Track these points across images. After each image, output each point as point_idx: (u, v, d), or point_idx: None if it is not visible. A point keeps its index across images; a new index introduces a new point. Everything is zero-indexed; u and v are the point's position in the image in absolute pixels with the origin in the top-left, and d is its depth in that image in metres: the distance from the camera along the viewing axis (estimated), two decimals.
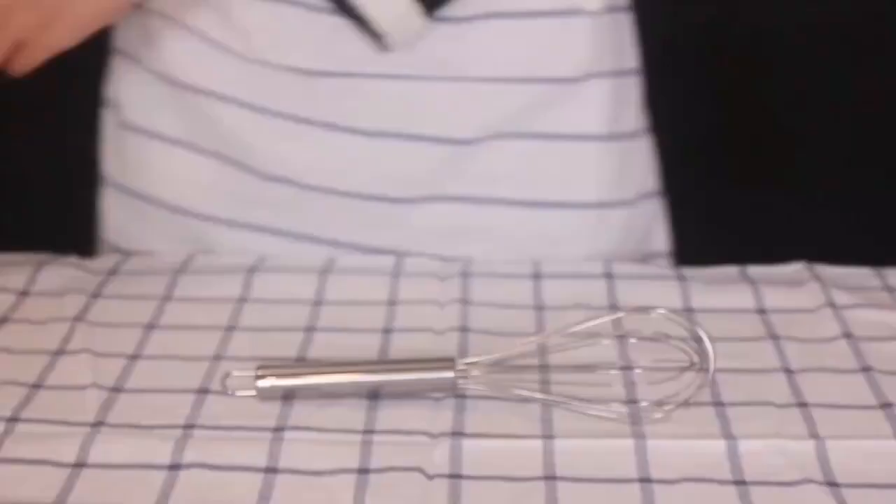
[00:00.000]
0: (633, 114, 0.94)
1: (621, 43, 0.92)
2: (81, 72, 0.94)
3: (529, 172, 0.93)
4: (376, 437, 0.72)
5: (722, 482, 0.69)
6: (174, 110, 0.95)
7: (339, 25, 0.87)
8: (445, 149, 0.92)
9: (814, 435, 0.72)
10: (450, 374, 0.75)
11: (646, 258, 0.98)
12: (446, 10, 0.87)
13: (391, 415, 0.74)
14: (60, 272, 0.90)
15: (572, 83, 0.91)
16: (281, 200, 0.94)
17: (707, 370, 0.75)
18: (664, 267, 0.92)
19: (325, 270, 0.91)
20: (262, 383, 0.75)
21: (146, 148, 0.97)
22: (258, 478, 0.69)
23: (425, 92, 0.90)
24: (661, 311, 0.77)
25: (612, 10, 0.91)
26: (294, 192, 0.93)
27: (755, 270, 0.91)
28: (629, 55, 0.93)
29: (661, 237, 0.98)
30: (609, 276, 0.90)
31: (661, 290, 0.88)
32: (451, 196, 0.93)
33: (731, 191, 0.98)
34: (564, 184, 0.94)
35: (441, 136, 0.91)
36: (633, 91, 0.94)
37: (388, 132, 0.91)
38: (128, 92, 0.98)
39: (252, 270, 0.90)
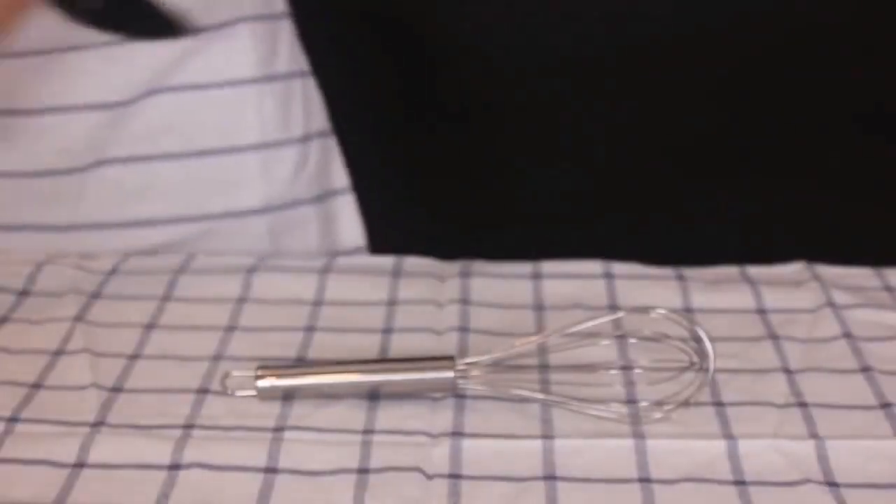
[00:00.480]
0: (288, 55, 0.96)
1: None
2: None
3: (189, 124, 0.94)
4: (376, 437, 0.72)
5: (722, 482, 0.69)
6: None
7: None
8: (101, 115, 0.93)
9: (814, 435, 0.72)
10: (450, 374, 0.75)
11: (326, 196, 0.99)
12: None
13: (391, 415, 0.74)
14: (60, 272, 0.90)
15: (215, 31, 0.93)
16: None
17: (707, 370, 0.75)
18: (662, 267, 0.92)
19: (326, 270, 0.91)
20: (261, 383, 0.75)
21: None
22: (258, 478, 0.69)
23: (68, 62, 0.91)
24: (661, 311, 0.77)
25: None
26: None
27: (755, 270, 0.91)
28: None
29: (340, 175, 1.00)
30: (609, 275, 0.90)
31: (661, 290, 0.88)
32: (117, 159, 0.94)
33: (404, 131, 0.99)
34: (225, 130, 0.95)
35: (94, 102, 0.93)
36: (285, 34, 0.95)
37: (42, 108, 0.92)
38: None
39: (252, 270, 0.90)
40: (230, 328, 0.84)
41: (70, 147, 0.94)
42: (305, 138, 0.98)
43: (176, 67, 0.93)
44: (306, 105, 0.98)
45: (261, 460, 0.70)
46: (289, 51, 0.96)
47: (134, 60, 0.93)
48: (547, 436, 0.72)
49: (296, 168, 0.97)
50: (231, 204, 0.96)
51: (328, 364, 0.77)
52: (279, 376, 0.75)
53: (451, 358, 0.76)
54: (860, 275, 0.90)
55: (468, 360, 0.76)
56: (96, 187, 0.95)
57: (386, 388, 0.75)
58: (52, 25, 0.89)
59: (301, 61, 0.97)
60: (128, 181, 0.95)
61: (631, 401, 0.76)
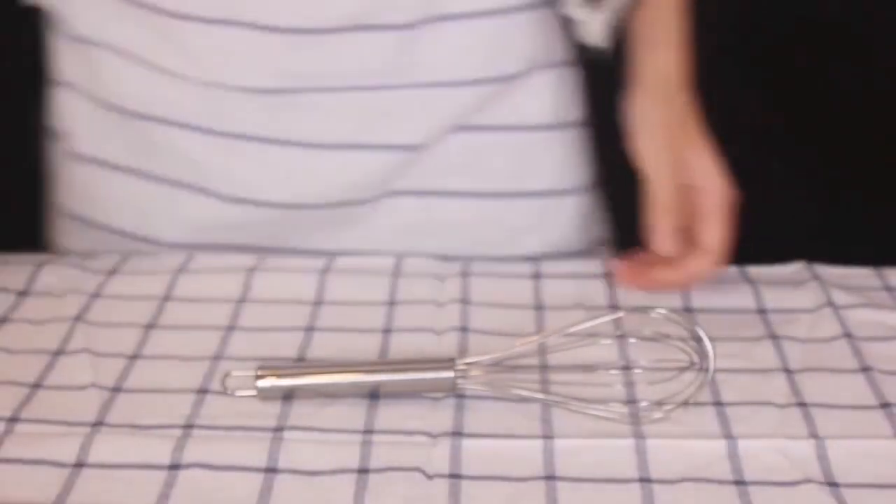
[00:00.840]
0: (575, 104, 0.96)
1: (561, 34, 0.94)
2: (16, 103, 0.91)
3: (481, 165, 0.94)
4: (376, 437, 0.72)
5: (722, 482, 0.69)
6: (122, 138, 0.95)
7: (289, 42, 0.87)
8: (399, 155, 0.92)
9: (814, 435, 0.72)
10: (449, 374, 0.75)
11: (589, 246, 0.99)
12: (390, 18, 0.87)
13: (391, 415, 0.74)
14: (60, 272, 0.90)
15: (517, 78, 0.92)
16: (240, 219, 0.94)
17: (707, 370, 0.75)
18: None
19: (325, 270, 0.91)
20: (262, 383, 0.75)
21: (96, 177, 0.97)
22: (258, 478, 0.69)
23: (376, 101, 0.90)
24: (661, 310, 0.77)
25: (549, 2, 0.92)
26: (251, 209, 0.94)
27: (755, 270, 0.91)
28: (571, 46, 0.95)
29: (601, 224, 1.00)
30: (610, 275, 0.90)
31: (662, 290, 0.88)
32: (406, 191, 0.94)
33: None
34: (516, 174, 0.95)
35: (394, 143, 0.92)
36: (573, 82, 0.96)
37: (343, 144, 0.91)
38: (73, 122, 0.97)
39: (252, 270, 0.90)
40: (230, 328, 0.84)
41: (363, 181, 0.93)
42: (586, 188, 0.97)
43: (476, 111, 0.92)
44: (587, 154, 0.97)
45: (261, 460, 0.70)
46: (575, 99, 0.96)
47: (438, 104, 0.91)
48: (547, 436, 0.72)
49: (574, 216, 0.97)
50: (510, 248, 0.95)
51: (328, 364, 0.77)
52: (279, 376, 0.75)
53: (450, 358, 0.76)
54: (860, 275, 0.90)
55: (468, 360, 0.76)
56: (382, 217, 0.94)
57: (386, 388, 0.75)
58: (367, 66, 0.89)
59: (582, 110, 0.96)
60: (414, 214, 0.94)
61: (631, 401, 0.76)
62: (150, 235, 0.96)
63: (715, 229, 0.84)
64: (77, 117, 0.97)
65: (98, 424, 0.73)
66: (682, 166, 0.85)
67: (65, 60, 0.96)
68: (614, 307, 0.86)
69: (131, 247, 0.96)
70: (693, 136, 0.86)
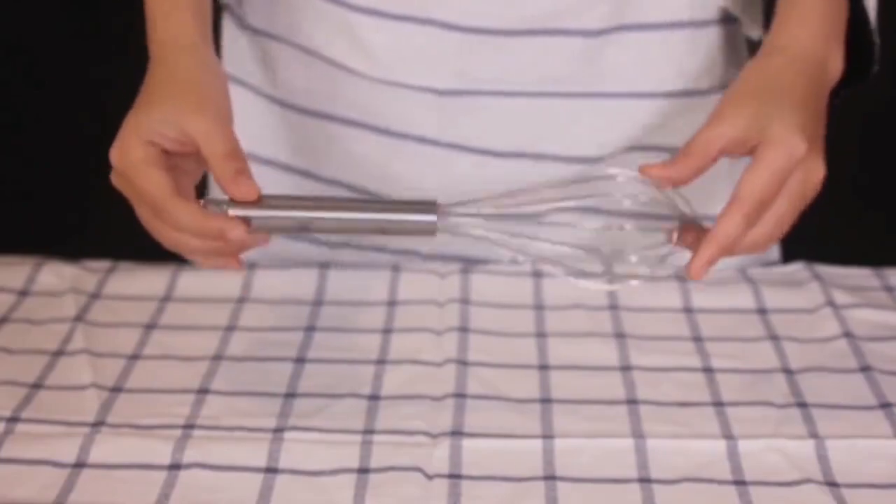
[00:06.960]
0: None
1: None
2: None
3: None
4: (376, 437, 0.72)
5: (722, 482, 0.69)
6: (287, 135, 0.94)
7: (470, 42, 0.85)
8: (572, 167, 0.90)
9: (814, 435, 0.72)
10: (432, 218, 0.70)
11: (768, 264, 0.95)
12: (580, 22, 0.85)
13: (391, 415, 0.74)
14: (60, 272, 0.90)
15: (705, 94, 0.90)
16: None
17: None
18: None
19: (326, 270, 0.90)
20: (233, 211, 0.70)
21: (258, 174, 0.96)
22: (258, 478, 0.69)
23: (554, 109, 0.88)
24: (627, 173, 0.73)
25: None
26: None
27: (755, 270, 0.91)
28: None
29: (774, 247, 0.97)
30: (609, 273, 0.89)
31: (662, 290, 0.88)
32: (577, 206, 0.93)
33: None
34: (697, 199, 0.91)
35: (568, 154, 0.90)
36: None
37: (514, 152, 0.90)
38: (239, 118, 0.97)
39: (252, 270, 0.90)
40: (230, 328, 0.84)
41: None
42: None
43: (659, 126, 0.90)
44: None
45: (261, 460, 0.70)
46: None
47: (620, 116, 0.89)
48: (547, 436, 0.72)
49: None
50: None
51: (313, 199, 0.73)
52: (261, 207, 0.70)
53: (432, 202, 0.71)
54: (860, 275, 0.90)
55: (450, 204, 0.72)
56: (546, 229, 0.89)
57: (365, 226, 0.71)
58: (549, 73, 0.87)
59: None
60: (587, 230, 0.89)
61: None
62: (304, 235, 0.95)
63: (753, 176, 0.71)
64: (241, 111, 0.96)
65: (98, 424, 0.73)
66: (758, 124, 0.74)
67: (240, 55, 0.95)
68: (614, 307, 0.86)
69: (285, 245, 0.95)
70: (785, 103, 0.74)
